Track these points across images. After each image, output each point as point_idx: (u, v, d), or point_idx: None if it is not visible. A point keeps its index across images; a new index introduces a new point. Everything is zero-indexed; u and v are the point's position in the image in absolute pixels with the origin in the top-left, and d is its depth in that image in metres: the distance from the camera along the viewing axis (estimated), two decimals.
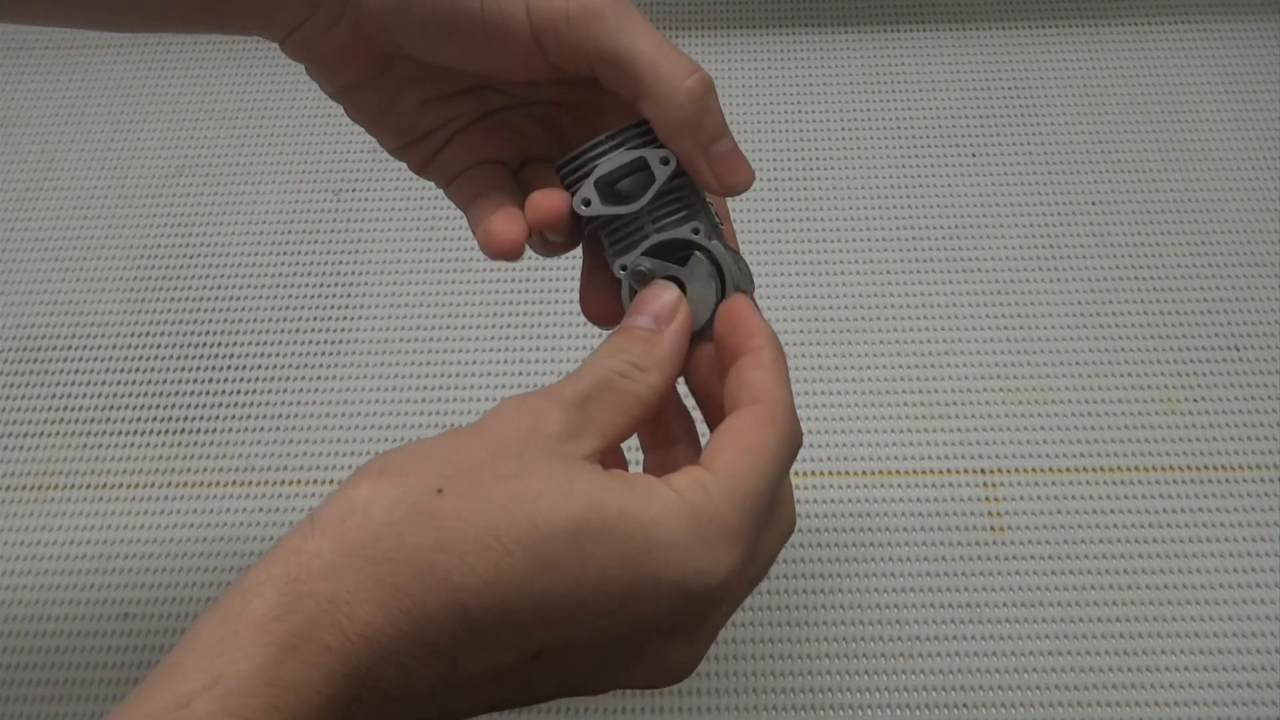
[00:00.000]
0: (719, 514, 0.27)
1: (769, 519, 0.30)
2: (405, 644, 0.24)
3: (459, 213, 0.38)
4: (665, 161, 0.33)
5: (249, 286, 0.68)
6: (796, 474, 0.59)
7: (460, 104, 0.36)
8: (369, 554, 0.24)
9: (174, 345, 0.66)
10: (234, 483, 0.61)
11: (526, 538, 0.25)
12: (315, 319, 0.67)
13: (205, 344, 0.66)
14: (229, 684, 0.23)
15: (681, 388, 0.35)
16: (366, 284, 0.68)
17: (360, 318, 0.66)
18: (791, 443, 0.31)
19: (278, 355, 0.65)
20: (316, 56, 0.35)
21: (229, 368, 0.65)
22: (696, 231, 0.34)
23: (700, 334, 0.34)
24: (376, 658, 0.24)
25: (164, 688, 0.23)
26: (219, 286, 0.68)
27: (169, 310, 0.67)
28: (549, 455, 0.27)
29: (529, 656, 0.26)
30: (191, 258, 0.69)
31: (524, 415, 0.28)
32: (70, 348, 0.66)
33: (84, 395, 0.64)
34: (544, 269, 0.67)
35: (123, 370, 0.65)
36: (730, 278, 0.34)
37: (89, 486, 0.61)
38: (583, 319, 0.37)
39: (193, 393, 0.64)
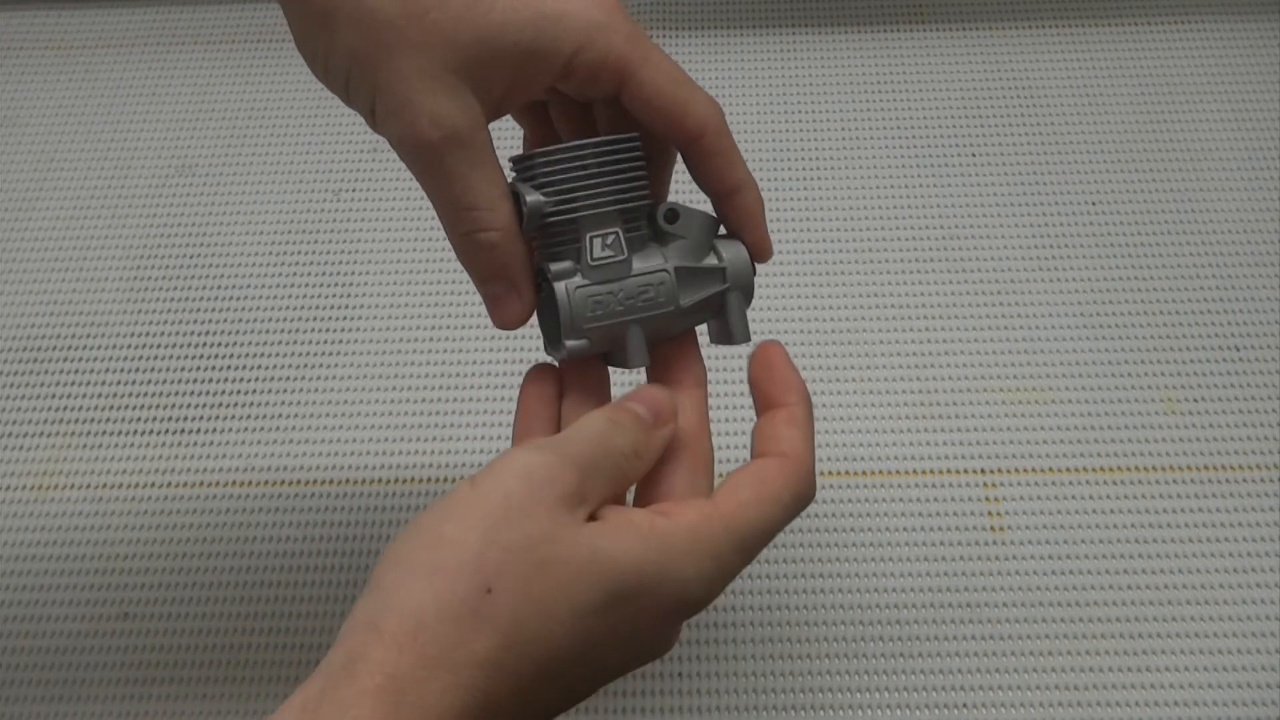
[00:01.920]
0: (721, 554, 0.32)
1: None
2: None
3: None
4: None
5: (249, 286, 0.68)
6: None
7: None
8: (449, 664, 0.28)
9: (174, 345, 0.66)
10: (234, 483, 0.61)
11: (569, 619, 0.29)
12: (315, 319, 0.67)
13: (205, 344, 0.66)
14: None
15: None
16: (366, 284, 0.68)
17: (360, 318, 0.66)
18: (804, 501, 0.34)
19: (278, 355, 0.65)
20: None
21: (229, 368, 0.65)
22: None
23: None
24: None
25: None
26: (219, 286, 0.68)
27: (169, 310, 0.67)
28: (565, 528, 0.30)
29: (568, 695, 0.31)
30: (191, 258, 0.69)
31: (538, 480, 0.30)
32: (70, 348, 0.66)
33: (84, 395, 0.64)
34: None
35: (123, 370, 0.65)
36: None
37: (89, 486, 0.61)
38: None
39: (193, 393, 0.64)
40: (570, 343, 0.35)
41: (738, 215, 0.37)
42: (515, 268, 0.35)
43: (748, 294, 0.37)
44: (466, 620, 0.28)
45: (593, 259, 0.35)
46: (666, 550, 0.30)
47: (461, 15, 0.32)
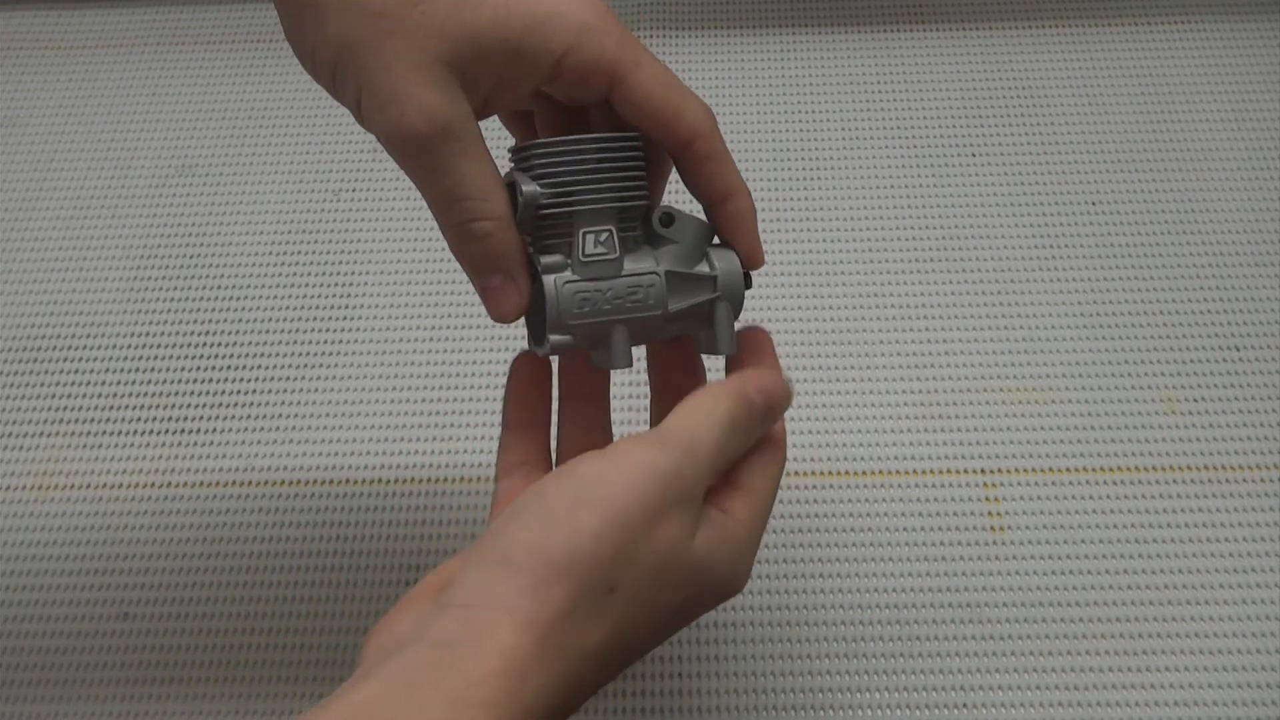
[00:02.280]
0: (753, 539, 0.34)
1: None
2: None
3: None
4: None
5: (249, 286, 0.68)
6: (797, 474, 0.59)
7: None
8: (565, 654, 0.29)
9: (174, 345, 0.66)
10: (234, 483, 0.61)
11: (665, 615, 0.32)
12: (315, 319, 0.67)
13: (205, 344, 0.66)
14: None
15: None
16: (366, 284, 0.68)
17: (360, 318, 0.66)
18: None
19: (278, 355, 0.65)
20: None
21: (229, 368, 0.65)
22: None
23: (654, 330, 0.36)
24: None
25: None
26: (219, 286, 0.68)
27: (169, 310, 0.67)
28: (685, 539, 0.32)
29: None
30: (191, 258, 0.69)
31: (672, 488, 0.31)
32: (70, 348, 0.66)
33: (84, 395, 0.64)
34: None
35: (123, 370, 0.65)
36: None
37: (89, 486, 0.61)
38: None
39: (193, 393, 0.64)
40: (554, 337, 0.35)
41: (729, 222, 0.37)
42: (511, 258, 0.35)
43: (737, 305, 0.37)
44: (589, 617, 0.29)
45: (584, 255, 0.35)
46: (740, 556, 0.33)
47: (451, 10, 0.32)
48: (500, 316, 0.35)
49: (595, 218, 0.35)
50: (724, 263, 0.36)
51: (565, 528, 0.29)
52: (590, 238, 0.35)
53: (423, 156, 0.32)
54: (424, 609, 0.31)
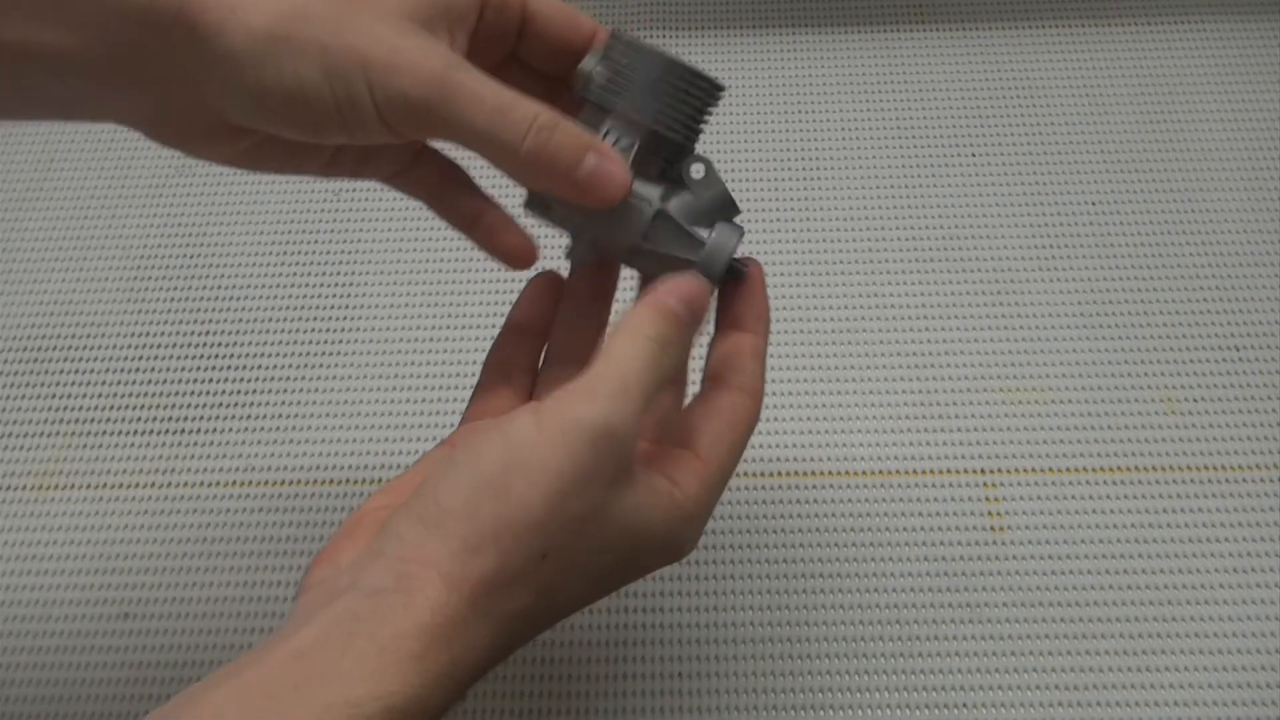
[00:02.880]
0: (703, 511, 0.35)
1: None
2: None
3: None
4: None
5: (249, 286, 0.68)
6: (797, 474, 0.59)
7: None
8: (494, 614, 0.30)
9: (174, 345, 0.66)
10: (234, 483, 0.61)
11: (595, 573, 0.33)
12: (315, 319, 0.67)
13: (205, 344, 0.66)
14: (396, 701, 0.28)
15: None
16: (366, 284, 0.68)
17: (360, 318, 0.66)
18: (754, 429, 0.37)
19: (278, 355, 0.65)
20: (185, 141, 0.35)
21: (229, 368, 0.65)
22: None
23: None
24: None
25: (321, 687, 0.27)
26: (219, 286, 0.68)
27: (169, 310, 0.67)
28: (615, 498, 0.32)
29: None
30: (191, 258, 0.69)
31: (605, 446, 0.31)
32: (70, 348, 0.66)
33: (84, 395, 0.64)
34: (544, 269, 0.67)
35: (123, 370, 0.65)
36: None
37: (89, 486, 0.61)
38: None
39: (193, 393, 0.64)
40: (534, 199, 0.36)
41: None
42: (585, 133, 0.34)
43: (713, 277, 0.36)
44: (519, 581, 0.30)
45: None
46: (685, 521, 0.34)
47: None
48: (616, 190, 0.34)
49: (628, 124, 0.35)
50: (719, 238, 0.36)
51: (497, 494, 0.30)
52: (611, 137, 0.35)
53: (452, 90, 0.32)
54: (363, 546, 0.32)
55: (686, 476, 0.34)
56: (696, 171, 0.36)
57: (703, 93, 0.35)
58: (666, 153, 0.36)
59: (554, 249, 0.44)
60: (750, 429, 0.36)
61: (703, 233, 0.35)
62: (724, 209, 0.36)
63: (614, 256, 0.38)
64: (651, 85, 0.34)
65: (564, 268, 0.41)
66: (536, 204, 0.36)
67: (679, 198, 0.35)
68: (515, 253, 0.39)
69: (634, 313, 0.33)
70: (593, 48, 0.36)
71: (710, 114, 0.36)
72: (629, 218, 0.35)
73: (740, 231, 0.36)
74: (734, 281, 0.37)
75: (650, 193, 0.35)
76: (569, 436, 0.30)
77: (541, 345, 0.41)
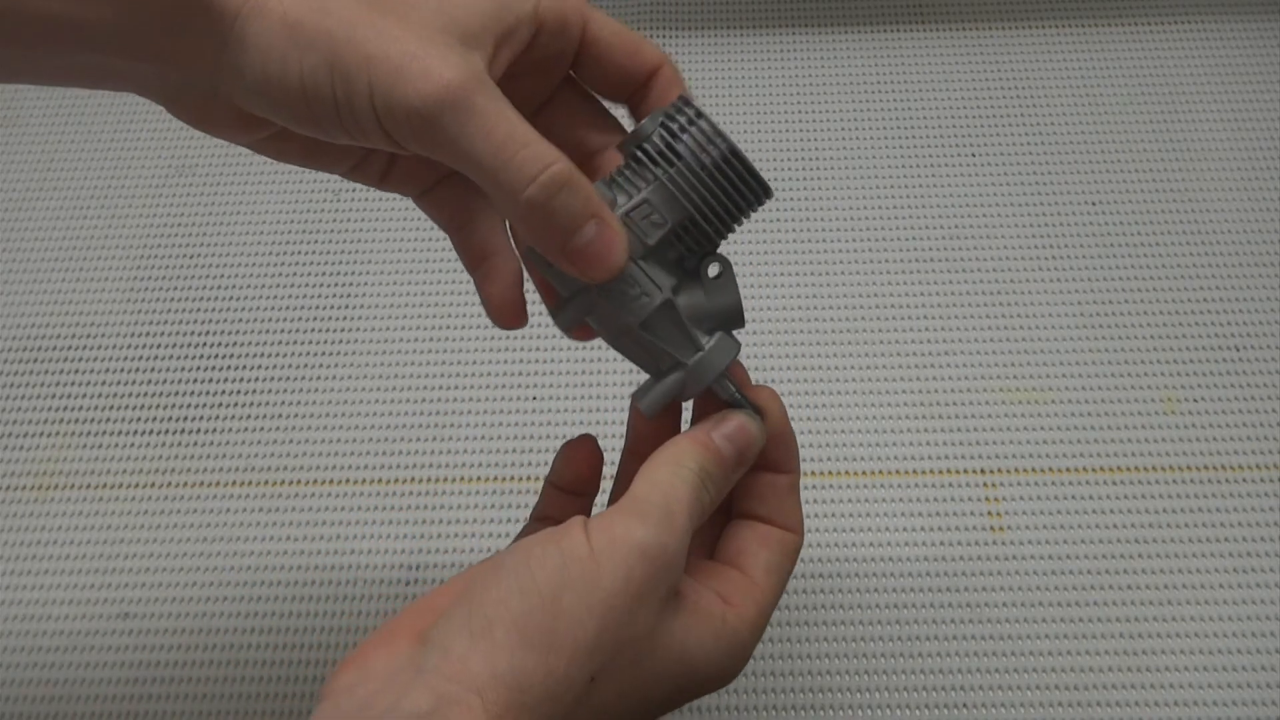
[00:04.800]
0: (755, 636, 0.33)
1: None
2: None
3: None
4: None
5: (249, 286, 0.68)
6: None
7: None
8: None
9: (174, 345, 0.66)
10: (234, 483, 0.61)
11: (643, 705, 0.31)
12: (315, 319, 0.67)
13: (205, 344, 0.66)
14: None
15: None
16: (366, 284, 0.68)
17: (360, 318, 0.66)
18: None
19: (278, 355, 0.65)
20: (203, 122, 0.33)
21: (229, 368, 0.65)
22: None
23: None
24: None
25: None
26: (219, 286, 0.68)
27: (169, 310, 0.67)
28: (665, 623, 0.31)
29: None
30: (191, 258, 0.69)
31: (656, 568, 0.30)
32: (70, 348, 0.66)
33: (84, 395, 0.64)
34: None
35: (123, 370, 0.65)
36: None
37: (89, 486, 0.61)
38: None
39: (193, 393, 0.64)
40: (532, 252, 0.33)
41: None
42: (595, 198, 0.31)
43: (694, 387, 0.34)
44: (567, 704, 0.29)
45: (629, 215, 0.33)
46: (736, 648, 0.32)
47: None
48: (605, 271, 0.31)
49: (668, 202, 0.32)
50: (714, 355, 0.33)
51: (547, 609, 0.28)
52: (645, 211, 0.32)
53: (463, 109, 0.29)
54: (399, 654, 0.29)
55: (741, 597, 0.33)
56: (714, 270, 0.34)
57: (752, 194, 0.33)
58: (691, 241, 0.33)
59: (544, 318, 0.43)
60: (794, 560, 0.35)
61: (702, 337, 0.33)
62: (730, 318, 0.34)
63: (604, 329, 0.34)
64: (706, 169, 0.32)
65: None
66: (539, 254, 0.33)
67: (690, 293, 0.33)
68: (502, 308, 0.36)
69: (674, 445, 0.32)
70: (658, 96, 0.34)
71: (743, 211, 0.33)
72: (635, 299, 0.32)
73: (737, 348, 0.34)
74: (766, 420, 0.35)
75: (663, 280, 0.33)
76: (623, 556, 0.29)
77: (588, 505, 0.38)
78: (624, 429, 0.38)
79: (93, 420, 0.63)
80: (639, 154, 0.33)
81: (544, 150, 0.30)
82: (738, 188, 0.33)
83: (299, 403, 0.63)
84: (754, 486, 0.36)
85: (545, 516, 0.37)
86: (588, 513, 0.37)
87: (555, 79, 0.36)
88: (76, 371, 0.65)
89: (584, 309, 0.33)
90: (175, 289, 0.68)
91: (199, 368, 0.65)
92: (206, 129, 0.34)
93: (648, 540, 0.29)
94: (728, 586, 0.33)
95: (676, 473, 0.32)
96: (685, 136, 0.32)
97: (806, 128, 0.73)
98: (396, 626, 0.31)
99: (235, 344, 0.66)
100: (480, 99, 0.29)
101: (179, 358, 0.65)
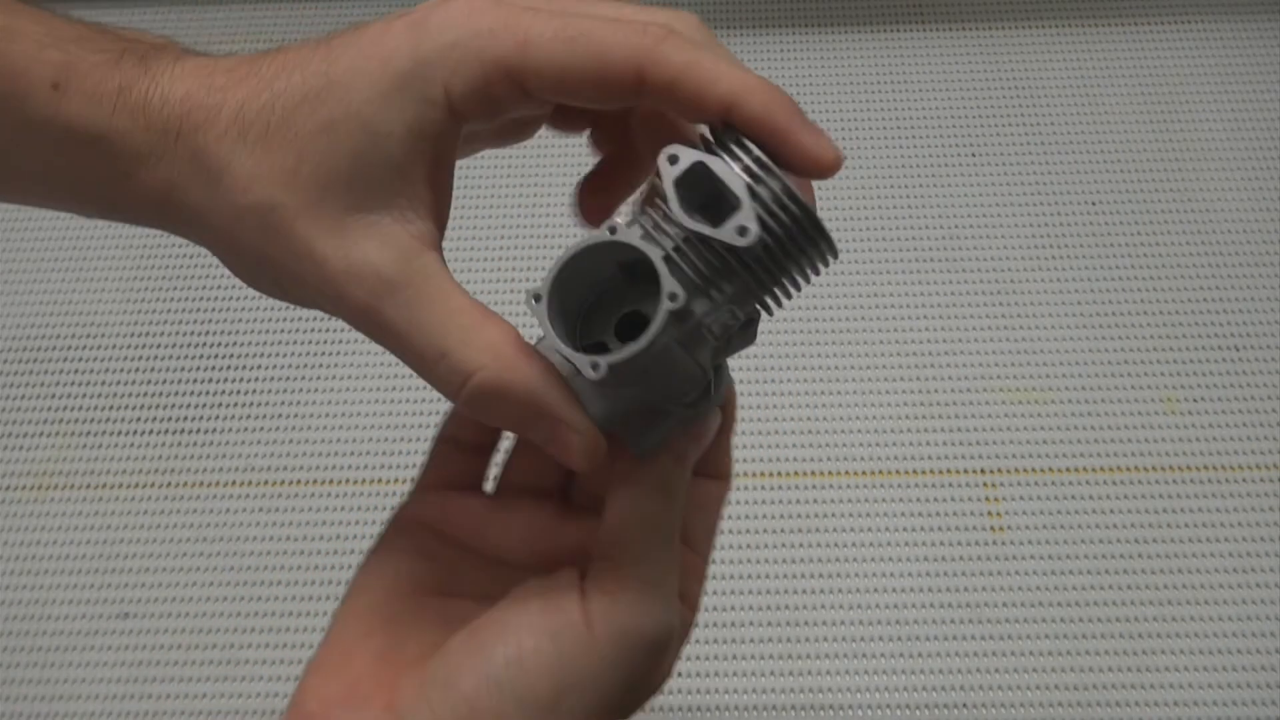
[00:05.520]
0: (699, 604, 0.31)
1: None
2: None
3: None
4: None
5: (249, 286, 0.68)
6: (798, 474, 0.59)
7: None
8: None
9: (174, 345, 0.66)
10: (234, 483, 0.61)
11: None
12: (315, 319, 0.67)
13: (205, 344, 0.66)
14: None
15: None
16: None
17: None
18: None
19: (278, 355, 0.65)
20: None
21: (229, 368, 0.65)
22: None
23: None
24: None
25: None
26: (219, 286, 0.68)
27: (169, 310, 0.67)
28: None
29: None
30: (191, 258, 0.69)
31: (655, 650, 0.28)
32: (70, 348, 0.66)
33: (84, 395, 0.64)
34: (543, 269, 0.67)
35: (123, 370, 0.65)
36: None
37: (89, 486, 0.61)
38: None
39: (193, 393, 0.64)
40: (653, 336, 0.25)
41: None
42: (544, 395, 0.26)
43: (647, 446, 0.29)
44: None
45: (697, 321, 0.26)
46: (683, 629, 0.30)
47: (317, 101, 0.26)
48: (583, 464, 0.27)
49: (743, 296, 0.26)
50: (720, 387, 0.30)
51: (545, 712, 0.26)
52: (726, 313, 0.26)
53: (375, 324, 0.27)
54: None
55: (693, 584, 0.31)
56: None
57: (823, 265, 0.28)
58: (743, 320, 0.28)
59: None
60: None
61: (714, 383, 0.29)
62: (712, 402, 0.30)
63: (638, 407, 0.29)
64: (802, 272, 0.27)
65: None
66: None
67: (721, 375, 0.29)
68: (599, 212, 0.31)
69: (624, 495, 0.28)
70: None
71: (799, 286, 0.29)
72: (682, 377, 0.27)
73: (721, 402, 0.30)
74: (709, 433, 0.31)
75: (707, 361, 0.28)
76: (628, 650, 0.27)
77: (487, 459, 0.34)
78: None
79: (93, 420, 0.63)
80: (721, 247, 0.25)
81: (465, 357, 0.26)
82: (818, 269, 0.28)
83: (299, 403, 0.63)
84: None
85: (441, 485, 0.33)
86: (486, 468, 0.33)
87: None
88: (76, 371, 0.65)
89: (627, 404, 0.28)
90: (175, 289, 0.68)
91: (199, 368, 0.65)
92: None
93: (658, 634, 0.28)
94: (685, 578, 0.31)
95: (665, 541, 0.29)
96: (777, 227, 0.26)
97: None
98: (359, 666, 0.29)
99: (235, 344, 0.66)
100: (389, 310, 0.27)
101: (179, 358, 0.65)
